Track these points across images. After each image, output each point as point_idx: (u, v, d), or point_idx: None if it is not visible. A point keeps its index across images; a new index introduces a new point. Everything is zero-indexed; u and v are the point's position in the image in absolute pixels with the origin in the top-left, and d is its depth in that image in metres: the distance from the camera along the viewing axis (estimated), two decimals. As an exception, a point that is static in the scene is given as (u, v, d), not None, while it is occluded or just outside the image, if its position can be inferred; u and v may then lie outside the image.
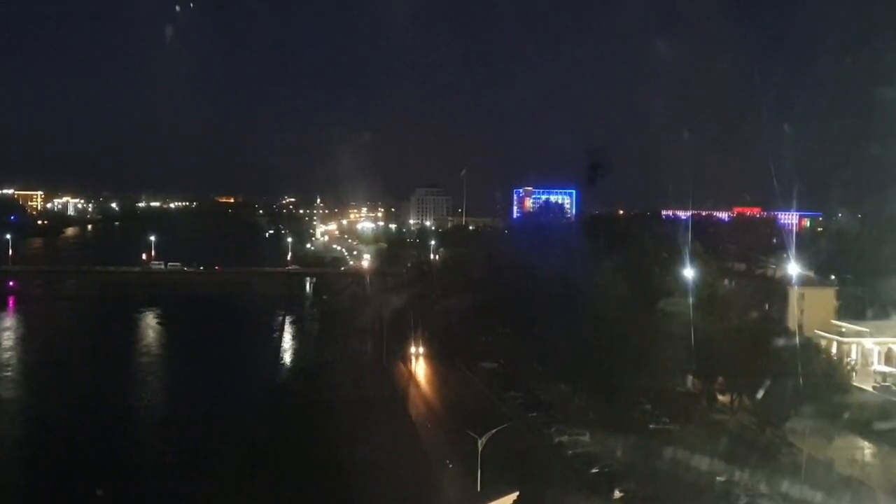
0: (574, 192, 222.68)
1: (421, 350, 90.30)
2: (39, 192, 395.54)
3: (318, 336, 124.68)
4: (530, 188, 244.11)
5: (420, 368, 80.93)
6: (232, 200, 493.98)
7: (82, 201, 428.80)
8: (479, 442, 45.47)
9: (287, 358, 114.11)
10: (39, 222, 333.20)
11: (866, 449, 57.27)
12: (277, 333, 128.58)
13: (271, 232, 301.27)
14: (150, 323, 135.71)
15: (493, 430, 47.66)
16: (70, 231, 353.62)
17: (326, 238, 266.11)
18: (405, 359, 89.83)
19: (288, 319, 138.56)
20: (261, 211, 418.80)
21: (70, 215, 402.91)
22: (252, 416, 74.97)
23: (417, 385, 73.75)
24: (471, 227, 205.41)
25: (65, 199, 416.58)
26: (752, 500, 49.31)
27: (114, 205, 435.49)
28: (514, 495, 33.07)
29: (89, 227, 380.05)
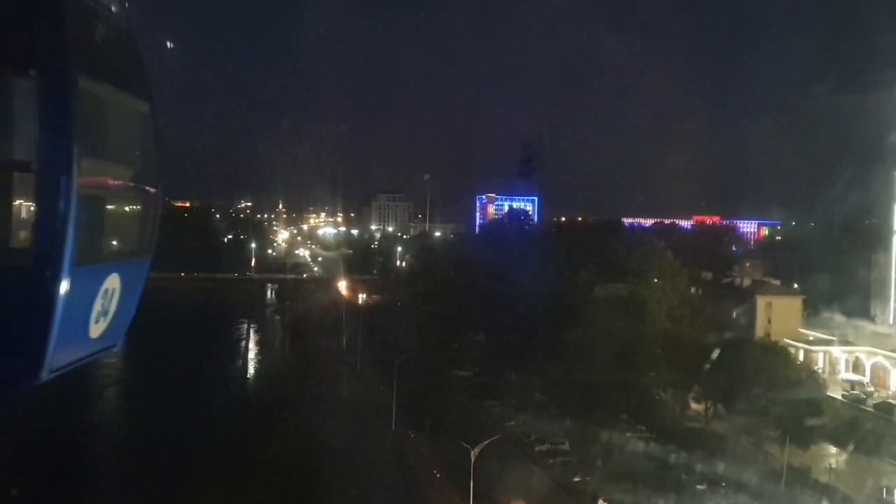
0: (536, 198, 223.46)
1: (392, 356, 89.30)
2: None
3: (283, 344, 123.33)
4: (493, 195, 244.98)
5: (393, 375, 79.90)
6: (188, 205, 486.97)
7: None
8: (472, 453, 45.58)
9: (254, 367, 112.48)
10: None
11: (839, 456, 58.46)
12: (243, 342, 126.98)
13: (230, 237, 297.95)
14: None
15: (486, 442, 47.87)
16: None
17: (286, 244, 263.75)
18: (375, 365, 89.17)
19: (253, 328, 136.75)
20: (217, 215, 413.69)
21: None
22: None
23: (393, 390, 73.02)
24: (436, 234, 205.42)
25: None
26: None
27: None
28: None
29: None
